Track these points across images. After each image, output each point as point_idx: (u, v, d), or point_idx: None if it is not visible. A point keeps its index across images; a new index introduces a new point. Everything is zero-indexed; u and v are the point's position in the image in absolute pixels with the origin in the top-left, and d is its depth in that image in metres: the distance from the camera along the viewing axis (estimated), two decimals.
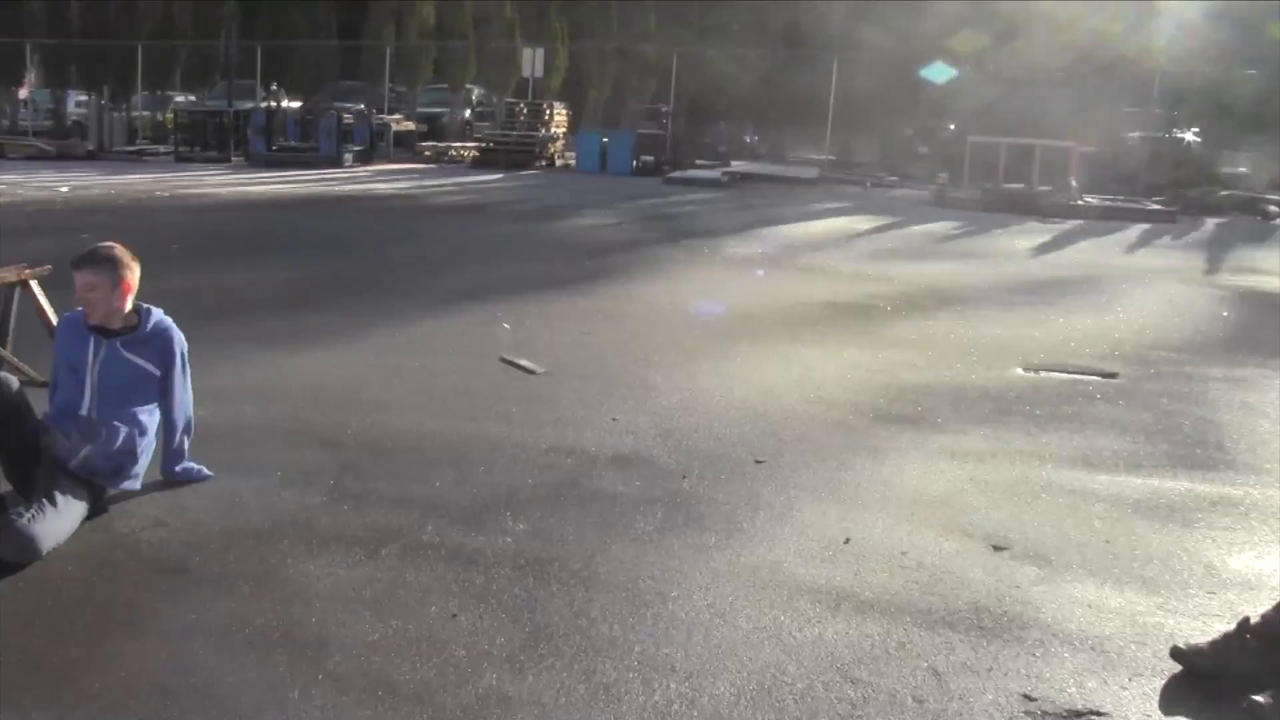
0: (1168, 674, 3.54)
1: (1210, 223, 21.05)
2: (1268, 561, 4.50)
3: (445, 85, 32.29)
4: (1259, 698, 3.28)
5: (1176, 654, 3.58)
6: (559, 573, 4.07)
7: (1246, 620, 3.55)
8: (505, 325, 8.32)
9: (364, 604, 3.76)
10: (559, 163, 28.08)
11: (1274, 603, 3.59)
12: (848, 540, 4.51)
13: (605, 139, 27.56)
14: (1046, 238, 17.21)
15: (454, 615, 3.70)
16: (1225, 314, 10.82)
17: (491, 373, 6.98)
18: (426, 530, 4.40)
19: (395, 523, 4.47)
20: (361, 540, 4.28)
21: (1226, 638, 3.55)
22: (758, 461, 5.46)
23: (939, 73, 26.31)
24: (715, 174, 25.36)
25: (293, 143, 26.29)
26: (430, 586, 3.91)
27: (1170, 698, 3.41)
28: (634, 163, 26.88)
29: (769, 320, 9.14)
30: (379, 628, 3.60)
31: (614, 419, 6.06)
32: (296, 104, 28.94)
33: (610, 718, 3.15)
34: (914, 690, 3.36)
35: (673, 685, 3.32)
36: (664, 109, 31.56)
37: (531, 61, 30.08)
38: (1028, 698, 3.35)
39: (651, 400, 6.49)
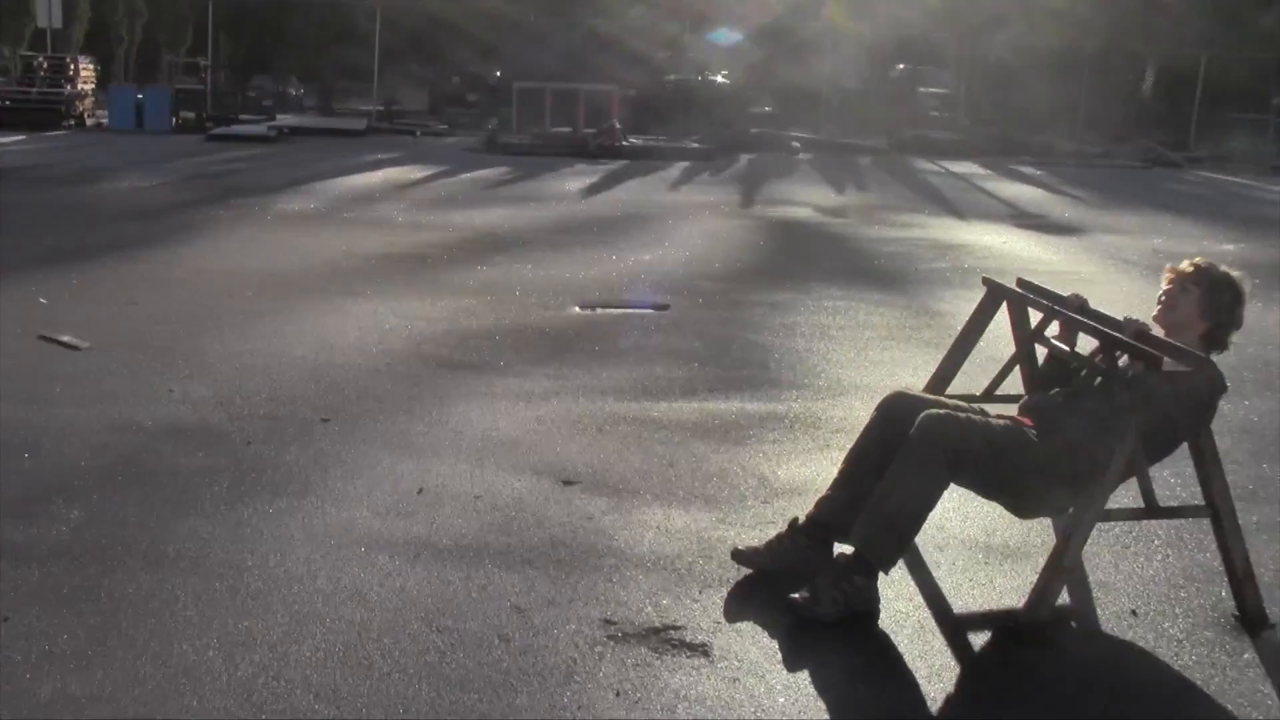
0: (733, 582, 3.79)
1: (744, 158, 22.44)
2: (811, 468, 4.89)
3: None
4: (795, 595, 3.57)
5: (736, 555, 3.86)
6: (123, 557, 3.84)
7: (795, 520, 3.86)
8: (42, 300, 7.73)
9: None
10: (90, 121, 26.28)
11: (815, 503, 3.91)
12: (421, 490, 4.52)
13: (140, 95, 26.08)
14: (595, 178, 17.80)
15: (6, 619, 3.41)
16: (761, 243, 11.60)
17: (30, 352, 6.47)
18: None
19: None
20: None
21: (779, 538, 3.86)
22: (324, 420, 5.36)
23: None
24: (261, 129, 24.58)
25: None
26: None
27: (735, 603, 3.66)
28: (174, 120, 25.65)
29: (325, 275, 8.97)
30: None
31: (170, 390, 5.77)
32: None
33: (193, 701, 3.02)
34: (499, 630, 3.43)
35: (256, 657, 3.23)
36: (203, 62, 30.21)
37: (49, 10, 27.82)
38: (608, 622, 3.49)
39: (209, 367, 6.23)
